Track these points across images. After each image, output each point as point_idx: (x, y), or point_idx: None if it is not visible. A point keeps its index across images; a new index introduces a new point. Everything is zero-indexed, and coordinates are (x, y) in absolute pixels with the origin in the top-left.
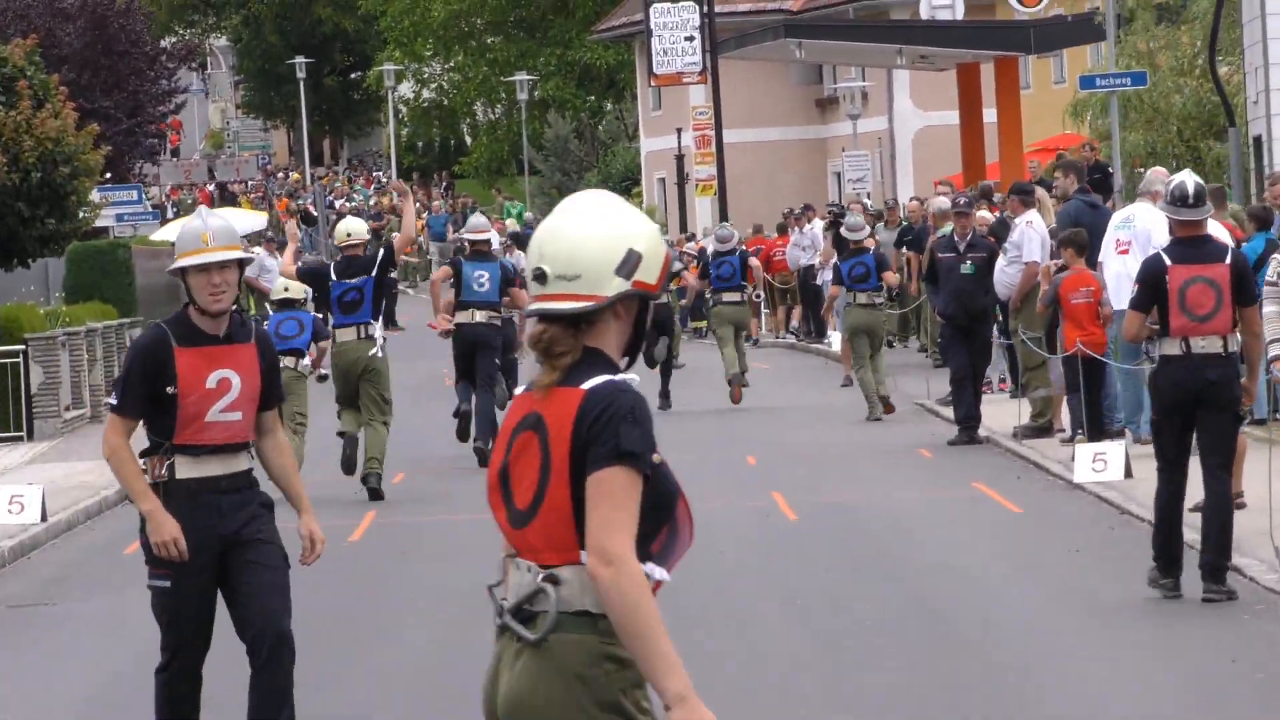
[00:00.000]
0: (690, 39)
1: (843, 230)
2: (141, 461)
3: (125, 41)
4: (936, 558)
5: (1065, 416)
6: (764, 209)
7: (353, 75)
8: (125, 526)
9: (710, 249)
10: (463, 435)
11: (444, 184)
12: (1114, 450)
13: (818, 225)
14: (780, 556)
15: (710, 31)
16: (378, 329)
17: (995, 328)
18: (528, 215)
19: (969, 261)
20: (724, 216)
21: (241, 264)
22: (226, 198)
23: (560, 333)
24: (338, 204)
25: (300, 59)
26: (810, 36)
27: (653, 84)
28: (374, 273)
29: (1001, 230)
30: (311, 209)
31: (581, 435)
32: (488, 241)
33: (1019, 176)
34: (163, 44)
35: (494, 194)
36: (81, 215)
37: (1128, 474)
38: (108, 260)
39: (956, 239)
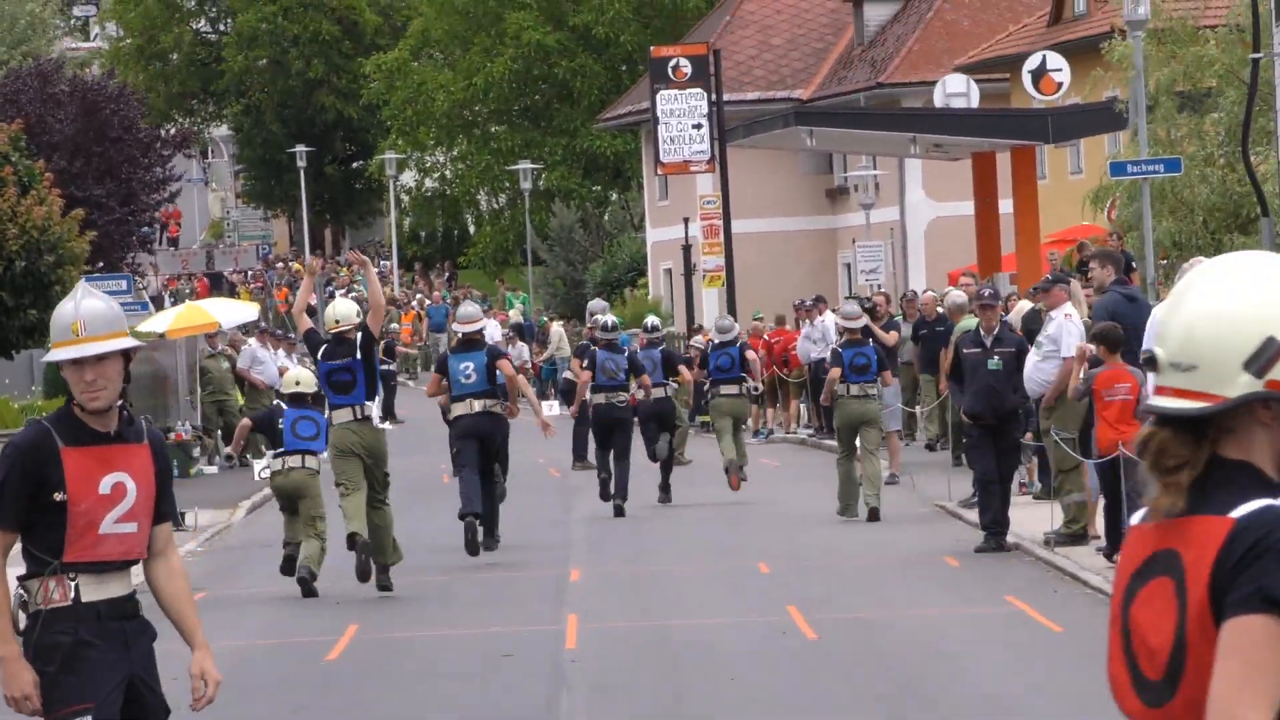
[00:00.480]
0: (698, 127)
1: (838, 319)
2: (20, 589)
3: (118, 128)
4: (973, 687)
5: (1100, 523)
6: (774, 300)
7: (354, 164)
8: None
9: (711, 341)
10: (468, 540)
11: (447, 274)
12: None
13: (829, 318)
14: (798, 682)
15: (719, 119)
16: (374, 410)
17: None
18: (523, 306)
19: (996, 357)
20: (732, 308)
21: (127, 354)
22: (224, 288)
23: (1171, 438)
24: (338, 294)
25: (301, 147)
26: (822, 124)
27: (660, 172)
28: (358, 355)
29: (1039, 325)
30: (311, 300)
31: (1223, 576)
32: (479, 332)
33: (1036, 268)
34: (158, 131)
35: (497, 285)
36: None
37: None
38: None
39: (983, 333)
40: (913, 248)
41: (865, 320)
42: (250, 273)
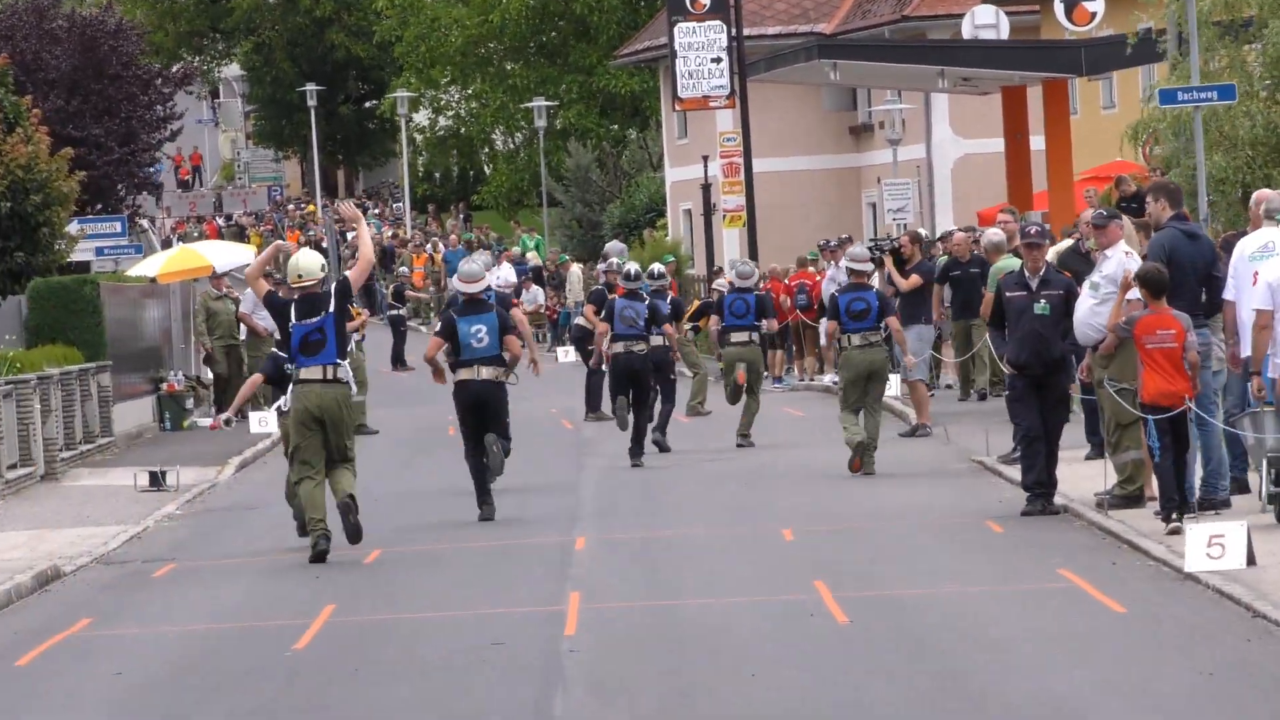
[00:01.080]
0: (717, 60)
1: (845, 260)
2: None
3: (117, 64)
4: (1030, 683)
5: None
6: (796, 241)
7: (367, 104)
8: (32, 623)
9: (729, 285)
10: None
11: (462, 215)
12: (1233, 531)
13: None
14: (825, 678)
15: (739, 53)
16: (345, 371)
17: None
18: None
19: (1043, 300)
20: (753, 249)
21: None
22: (233, 231)
23: None
24: (349, 236)
25: (311, 86)
26: (846, 57)
27: (677, 108)
28: (332, 309)
29: (1078, 263)
30: (323, 242)
31: None
32: (483, 292)
33: (1070, 206)
34: (159, 68)
35: (512, 226)
36: (57, 248)
37: (1250, 561)
38: (73, 298)
39: (1028, 275)
40: (939, 186)
41: (871, 265)
42: (260, 215)
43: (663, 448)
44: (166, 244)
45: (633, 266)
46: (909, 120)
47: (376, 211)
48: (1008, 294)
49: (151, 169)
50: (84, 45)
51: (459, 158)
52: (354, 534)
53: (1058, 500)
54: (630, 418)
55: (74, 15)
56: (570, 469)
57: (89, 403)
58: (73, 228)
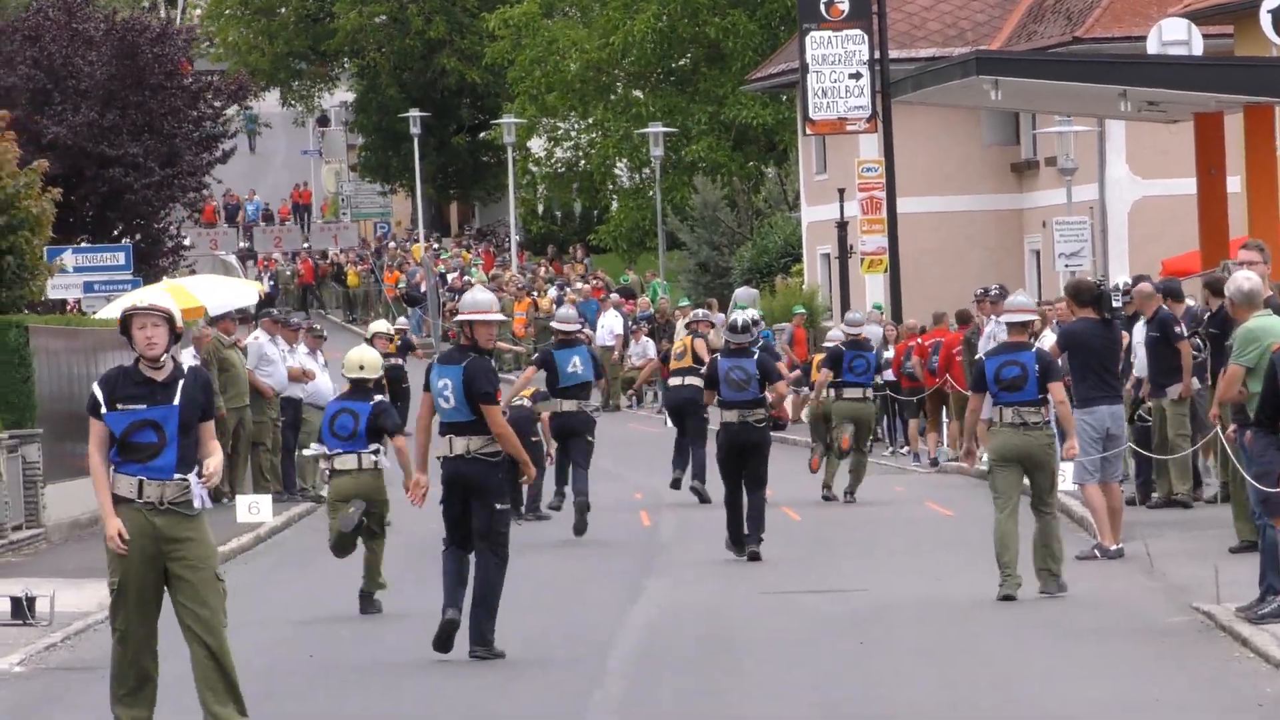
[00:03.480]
0: (856, 77)
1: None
2: None
3: (159, 74)
4: None
5: None
6: (945, 292)
7: (481, 135)
8: None
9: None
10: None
11: (583, 258)
12: None
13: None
14: None
15: (883, 71)
16: (384, 460)
17: None
18: (666, 296)
19: None
20: (895, 301)
21: None
22: (331, 270)
23: None
24: (450, 277)
25: (415, 112)
26: (1011, 73)
27: (809, 131)
28: (371, 410)
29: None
30: (423, 285)
31: None
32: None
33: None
34: (208, 78)
35: (646, 277)
36: (26, 282)
37: None
38: None
39: None
40: (1114, 232)
41: (1035, 317)
42: (355, 252)
43: (703, 497)
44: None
45: (741, 316)
46: (1080, 156)
47: (482, 251)
48: None
49: (196, 194)
50: (122, 51)
51: (581, 195)
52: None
53: None
54: (742, 497)
55: (112, 17)
56: (622, 593)
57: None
58: (67, 257)
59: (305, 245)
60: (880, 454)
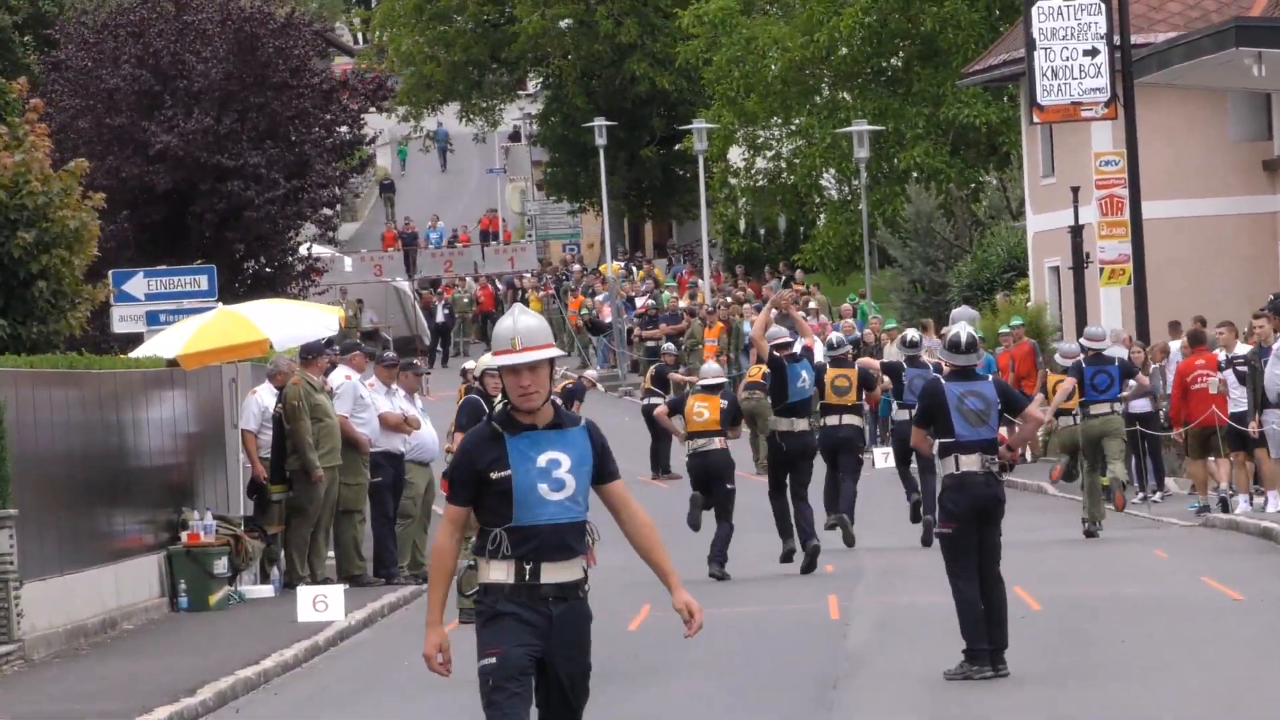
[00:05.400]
0: (1092, 54)
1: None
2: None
3: (284, 71)
4: None
5: None
6: (1192, 306)
7: (676, 146)
8: None
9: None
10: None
11: (784, 278)
12: None
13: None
14: None
15: (1124, 44)
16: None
17: None
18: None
19: None
20: (1141, 317)
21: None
22: (514, 294)
23: None
24: (638, 302)
25: (601, 121)
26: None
27: (1037, 119)
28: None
29: None
30: (606, 311)
31: None
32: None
33: None
34: (336, 72)
35: (859, 298)
36: (64, 313)
37: None
38: None
39: None
40: None
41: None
42: (536, 275)
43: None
44: (429, 308)
45: (963, 332)
46: None
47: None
48: None
49: (330, 210)
50: (240, 46)
51: (786, 209)
52: None
53: None
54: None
55: (227, 7)
56: None
57: None
58: (140, 283)
59: (475, 269)
60: (1131, 501)
